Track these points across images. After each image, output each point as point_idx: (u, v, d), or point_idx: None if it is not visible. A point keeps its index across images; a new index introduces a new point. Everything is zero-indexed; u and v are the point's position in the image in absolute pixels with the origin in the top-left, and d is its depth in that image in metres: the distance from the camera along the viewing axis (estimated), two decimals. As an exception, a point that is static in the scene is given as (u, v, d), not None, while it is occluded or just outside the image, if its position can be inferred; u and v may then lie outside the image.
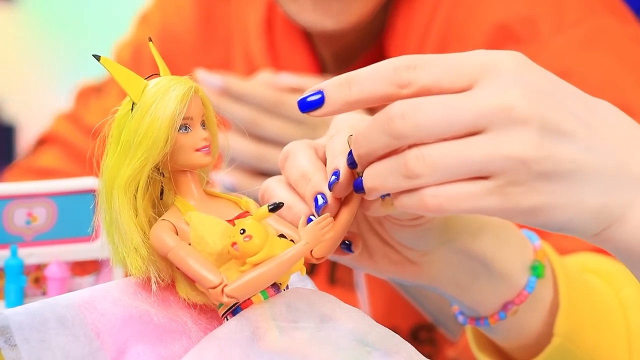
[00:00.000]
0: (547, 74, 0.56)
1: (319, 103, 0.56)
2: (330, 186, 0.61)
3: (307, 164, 0.63)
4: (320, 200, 0.61)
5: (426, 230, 0.67)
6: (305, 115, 1.03)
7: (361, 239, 0.65)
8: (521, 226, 0.75)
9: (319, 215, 0.61)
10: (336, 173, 0.60)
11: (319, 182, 0.62)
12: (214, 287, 0.56)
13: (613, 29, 1.07)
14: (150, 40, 0.62)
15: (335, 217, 0.61)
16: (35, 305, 0.58)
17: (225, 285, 0.56)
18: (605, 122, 0.56)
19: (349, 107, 0.56)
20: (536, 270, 0.70)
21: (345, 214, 0.62)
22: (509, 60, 0.55)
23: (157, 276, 0.59)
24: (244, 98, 1.01)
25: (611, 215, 0.54)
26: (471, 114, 0.53)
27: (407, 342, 0.59)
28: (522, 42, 1.05)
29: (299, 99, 0.57)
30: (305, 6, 1.02)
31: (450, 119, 0.53)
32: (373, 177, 0.56)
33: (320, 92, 0.56)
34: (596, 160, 0.54)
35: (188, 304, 0.60)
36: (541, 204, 0.53)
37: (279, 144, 1.01)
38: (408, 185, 0.54)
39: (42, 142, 1.29)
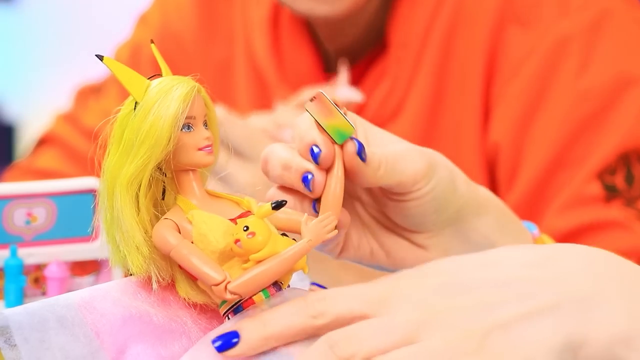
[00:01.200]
0: (444, 268, 0.57)
1: (235, 343, 0.57)
2: (316, 158, 0.61)
3: (284, 154, 0.64)
4: (310, 176, 0.62)
5: (424, 206, 0.67)
6: (242, 145, 1.02)
7: (345, 219, 0.65)
8: (520, 217, 0.75)
9: (310, 190, 0.62)
10: (316, 146, 0.61)
11: (301, 163, 0.63)
12: (217, 284, 0.56)
13: (619, 12, 1.07)
14: (152, 41, 0.63)
15: (325, 190, 0.62)
16: (34, 305, 0.58)
17: (229, 282, 0.56)
18: (523, 263, 0.56)
19: (266, 342, 0.57)
20: None
21: (335, 183, 0.62)
22: (408, 281, 0.56)
23: (158, 275, 0.59)
24: None
25: (576, 341, 0.53)
26: (402, 332, 0.54)
27: None
28: (527, 25, 1.05)
29: (213, 339, 0.57)
30: (312, 2, 1.02)
31: (385, 338, 0.54)
32: None
33: (234, 332, 0.57)
34: (535, 304, 0.54)
35: (188, 303, 0.60)
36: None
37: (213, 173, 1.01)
38: None
39: (42, 142, 1.29)
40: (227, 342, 0.57)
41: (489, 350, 0.53)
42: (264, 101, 1.15)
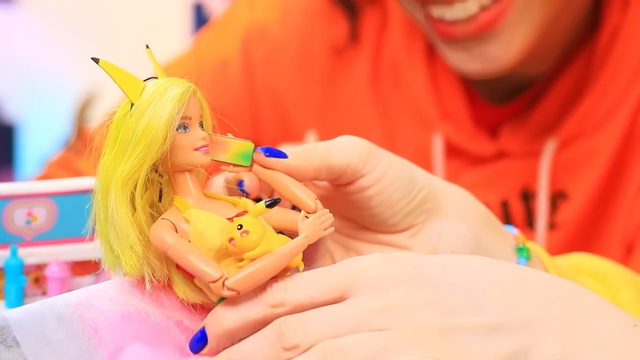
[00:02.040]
0: (409, 259, 0.58)
1: (204, 339, 0.58)
2: (242, 187, 0.63)
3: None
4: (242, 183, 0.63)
5: (384, 192, 0.67)
6: None
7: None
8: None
9: (247, 193, 0.63)
10: (239, 181, 0.63)
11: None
12: (215, 281, 0.57)
13: None
14: (147, 46, 0.63)
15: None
16: (32, 306, 0.58)
17: (226, 279, 0.57)
18: (477, 281, 0.58)
19: (230, 334, 0.58)
20: (522, 251, 0.71)
21: (287, 183, 0.63)
22: (372, 265, 0.57)
23: (152, 275, 0.59)
24: None
25: None
26: (355, 320, 0.55)
27: None
28: None
29: (189, 342, 0.58)
30: (462, 58, 0.99)
31: (336, 326, 0.55)
32: None
33: (202, 329, 0.58)
34: (486, 319, 0.56)
35: (184, 303, 0.60)
36: None
37: None
38: None
39: (85, 140, 1.27)
40: (197, 341, 0.58)
41: (445, 347, 0.54)
42: (424, 139, 1.12)
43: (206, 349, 0.58)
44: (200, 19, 2.81)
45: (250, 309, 0.57)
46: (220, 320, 0.57)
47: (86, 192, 0.82)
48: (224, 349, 0.58)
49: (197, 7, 2.83)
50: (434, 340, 0.55)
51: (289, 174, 0.63)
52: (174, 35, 2.75)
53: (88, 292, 0.60)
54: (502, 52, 0.97)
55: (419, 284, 0.56)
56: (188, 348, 0.59)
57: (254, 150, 0.63)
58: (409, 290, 0.56)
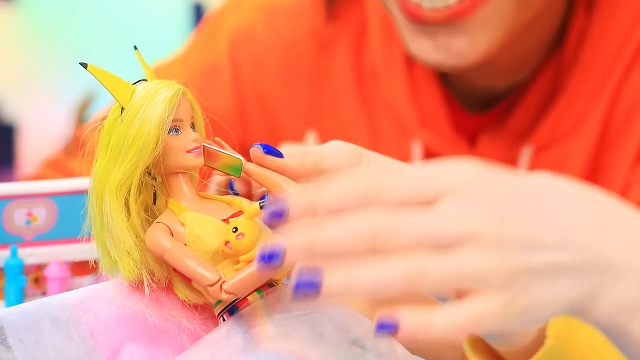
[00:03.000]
0: (505, 181, 0.57)
1: (284, 213, 0.54)
2: (232, 187, 0.64)
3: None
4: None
5: None
6: None
7: None
8: None
9: (238, 193, 0.63)
10: (231, 183, 0.64)
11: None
12: (213, 285, 0.57)
13: None
14: (135, 47, 0.63)
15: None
16: (29, 306, 0.58)
17: (224, 282, 0.57)
18: (571, 216, 0.57)
19: (317, 211, 0.55)
20: None
21: (278, 179, 0.63)
22: (468, 179, 0.56)
23: (150, 279, 0.59)
24: None
25: (584, 303, 0.56)
26: (442, 235, 0.54)
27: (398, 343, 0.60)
28: None
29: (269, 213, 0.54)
30: (426, 47, 0.98)
31: (426, 238, 0.54)
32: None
33: (280, 205, 0.55)
34: (568, 258, 0.55)
35: (182, 304, 0.60)
36: (521, 308, 0.55)
37: None
38: None
39: (80, 142, 1.27)
40: (276, 214, 0.54)
41: (510, 289, 0.54)
42: (404, 146, 1.11)
43: (280, 261, 0.52)
44: (200, 19, 2.81)
45: (348, 195, 0.54)
46: (315, 196, 0.54)
47: (86, 193, 0.83)
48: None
49: (197, 7, 2.83)
50: (503, 281, 0.54)
51: (282, 173, 0.63)
52: (174, 35, 2.75)
53: (86, 292, 0.60)
54: (467, 48, 0.97)
55: (510, 209, 0.55)
56: (187, 347, 0.59)
57: (253, 146, 0.63)
58: (499, 217, 0.54)
